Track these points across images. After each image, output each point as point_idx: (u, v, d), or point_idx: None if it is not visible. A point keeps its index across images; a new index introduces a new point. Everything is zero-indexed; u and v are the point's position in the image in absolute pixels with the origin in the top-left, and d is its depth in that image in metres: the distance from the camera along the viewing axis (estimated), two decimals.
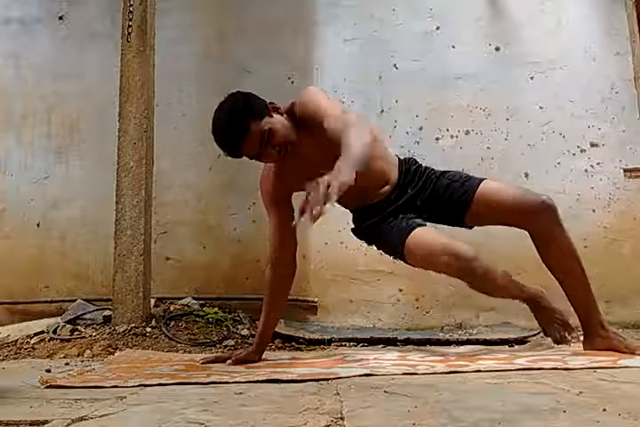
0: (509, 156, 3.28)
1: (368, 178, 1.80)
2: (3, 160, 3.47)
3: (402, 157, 2.09)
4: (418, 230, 1.84)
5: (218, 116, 1.85)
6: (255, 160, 1.89)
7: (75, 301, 2.98)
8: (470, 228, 2.01)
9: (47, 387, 1.49)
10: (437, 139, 3.31)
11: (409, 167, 2.03)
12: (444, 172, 2.03)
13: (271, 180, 1.97)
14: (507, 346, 2.37)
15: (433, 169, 2.04)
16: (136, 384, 1.49)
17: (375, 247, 2.03)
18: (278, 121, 1.84)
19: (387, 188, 1.98)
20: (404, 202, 1.96)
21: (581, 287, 1.86)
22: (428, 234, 1.85)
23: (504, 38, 3.43)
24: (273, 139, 1.81)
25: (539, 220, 1.83)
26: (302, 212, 1.43)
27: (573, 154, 3.28)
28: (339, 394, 1.28)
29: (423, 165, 2.08)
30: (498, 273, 1.83)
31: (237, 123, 1.78)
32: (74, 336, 2.56)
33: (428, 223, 1.92)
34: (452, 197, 1.94)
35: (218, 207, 3.33)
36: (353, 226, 2.08)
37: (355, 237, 2.08)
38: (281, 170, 1.95)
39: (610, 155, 3.28)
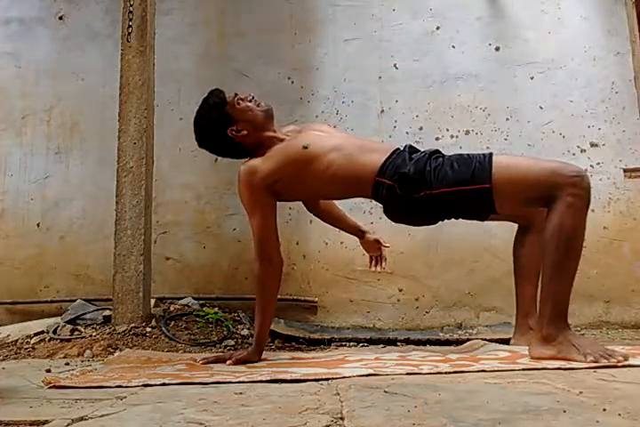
0: None
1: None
2: (3, 160, 3.47)
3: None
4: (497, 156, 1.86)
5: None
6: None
7: (75, 301, 2.98)
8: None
9: (50, 387, 1.49)
10: (437, 139, 3.31)
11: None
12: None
13: (255, 170, 2.00)
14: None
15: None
16: (139, 384, 1.49)
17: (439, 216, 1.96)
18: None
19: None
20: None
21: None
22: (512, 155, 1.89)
23: (504, 38, 3.43)
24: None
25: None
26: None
27: (573, 154, 3.28)
28: (339, 394, 1.28)
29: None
30: None
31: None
32: (74, 336, 2.56)
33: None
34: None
35: (218, 207, 3.33)
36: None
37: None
38: (260, 159, 2.01)
39: (610, 155, 3.28)
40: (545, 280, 1.77)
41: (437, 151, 2.00)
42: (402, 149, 2.02)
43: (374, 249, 2.37)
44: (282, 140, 2.06)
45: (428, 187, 1.86)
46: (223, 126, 2.04)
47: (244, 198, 2.04)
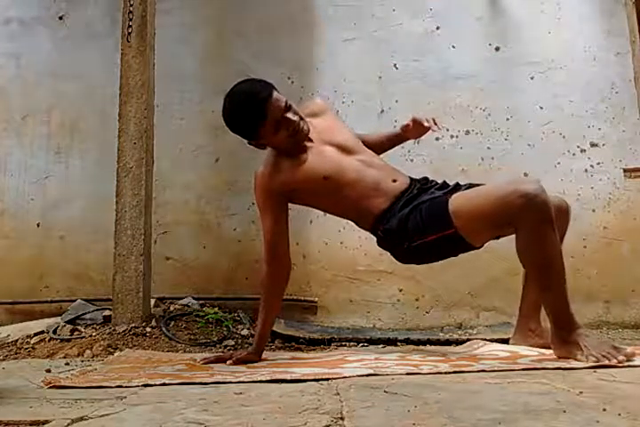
0: (509, 156, 3.29)
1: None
2: (3, 160, 3.47)
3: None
4: (453, 196, 1.88)
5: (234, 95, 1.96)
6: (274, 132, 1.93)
7: (75, 301, 2.98)
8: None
9: (50, 387, 1.49)
10: (437, 139, 3.30)
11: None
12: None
13: (273, 176, 1.99)
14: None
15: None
16: (140, 384, 1.49)
17: (427, 259, 2.03)
18: None
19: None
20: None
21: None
22: (466, 193, 1.90)
23: (504, 38, 3.43)
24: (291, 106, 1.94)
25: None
26: None
27: (573, 154, 3.28)
28: (339, 394, 1.28)
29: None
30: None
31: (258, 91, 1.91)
32: (74, 336, 2.56)
33: None
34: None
35: (218, 207, 3.33)
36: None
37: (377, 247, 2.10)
38: (281, 166, 1.99)
39: (610, 155, 3.28)
40: (538, 293, 1.85)
41: (434, 196, 1.97)
42: (409, 190, 2.01)
43: (421, 130, 2.29)
44: (305, 148, 2.00)
45: (408, 240, 1.92)
46: (250, 136, 1.98)
47: (260, 200, 2.03)
